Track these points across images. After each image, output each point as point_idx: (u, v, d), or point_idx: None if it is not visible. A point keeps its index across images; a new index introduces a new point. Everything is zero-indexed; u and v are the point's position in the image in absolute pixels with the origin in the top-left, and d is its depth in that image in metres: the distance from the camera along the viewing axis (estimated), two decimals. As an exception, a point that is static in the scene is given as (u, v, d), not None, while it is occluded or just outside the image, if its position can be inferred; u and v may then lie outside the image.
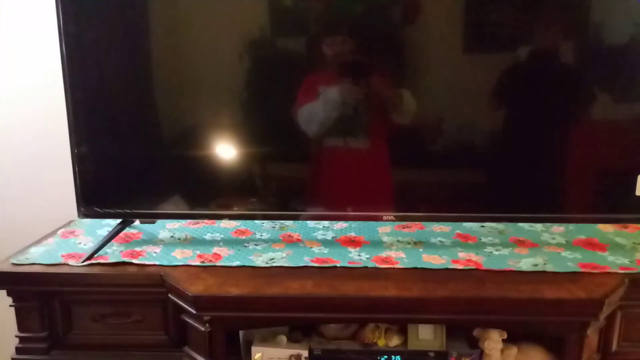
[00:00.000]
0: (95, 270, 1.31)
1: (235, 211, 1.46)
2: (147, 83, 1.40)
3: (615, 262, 1.33)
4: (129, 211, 1.43)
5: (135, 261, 1.34)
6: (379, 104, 1.37)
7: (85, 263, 1.33)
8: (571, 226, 1.56)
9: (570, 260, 1.34)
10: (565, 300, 1.18)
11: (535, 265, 1.31)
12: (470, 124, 1.40)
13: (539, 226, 1.57)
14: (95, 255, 1.36)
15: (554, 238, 1.49)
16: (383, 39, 1.34)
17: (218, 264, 1.34)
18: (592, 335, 1.24)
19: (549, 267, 1.30)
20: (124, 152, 1.42)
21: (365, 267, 1.31)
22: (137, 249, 1.42)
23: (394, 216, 1.41)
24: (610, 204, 1.42)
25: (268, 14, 1.34)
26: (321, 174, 1.45)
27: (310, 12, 1.34)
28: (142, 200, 1.44)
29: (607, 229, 1.55)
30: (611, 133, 1.37)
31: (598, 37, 1.32)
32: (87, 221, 1.60)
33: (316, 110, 1.35)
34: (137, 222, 1.56)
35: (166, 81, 1.41)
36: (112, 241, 1.44)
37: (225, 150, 1.41)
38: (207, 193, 1.46)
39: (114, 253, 1.38)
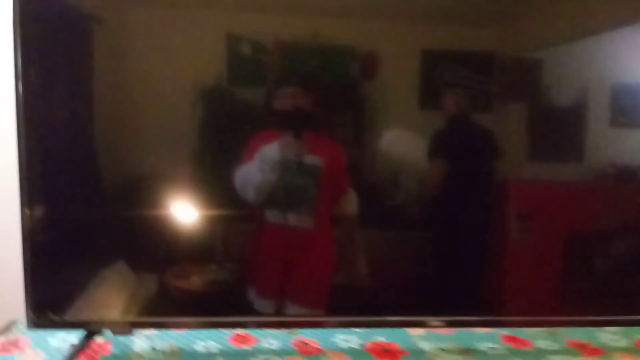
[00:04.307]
0: (53, 410, 0.95)
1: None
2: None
3: None
4: (100, 320, 1.08)
5: (108, 393, 0.99)
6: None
7: (37, 400, 0.96)
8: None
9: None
10: None
11: (619, 383, 1.08)
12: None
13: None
14: (52, 385, 1.00)
15: (616, 340, 1.27)
16: (339, 93, 1.13)
17: (224, 393, 1.01)
18: None
19: (635, 386, 1.07)
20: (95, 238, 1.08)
21: (417, 394, 1.03)
22: (109, 370, 1.06)
23: (443, 321, 1.14)
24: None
25: (225, 64, 1.09)
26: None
27: (267, 64, 1.10)
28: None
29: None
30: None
31: (549, 100, 1.16)
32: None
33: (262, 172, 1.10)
34: (104, 328, 1.20)
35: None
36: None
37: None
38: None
39: (77, 380, 1.03)
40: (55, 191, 1.05)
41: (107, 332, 1.19)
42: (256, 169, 1.09)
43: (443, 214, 1.17)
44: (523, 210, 1.21)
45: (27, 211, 1.02)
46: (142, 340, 1.20)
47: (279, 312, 1.16)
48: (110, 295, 1.13)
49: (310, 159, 1.11)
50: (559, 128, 1.16)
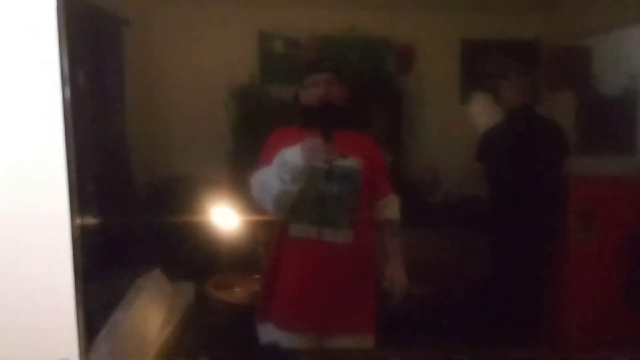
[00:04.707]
0: None
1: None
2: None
3: None
4: None
5: None
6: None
7: None
8: None
9: None
10: None
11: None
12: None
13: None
14: None
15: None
16: (374, 86, 1.14)
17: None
18: None
19: None
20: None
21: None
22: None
23: None
24: None
25: (258, 62, 1.15)
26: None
27: (301, 60, 1.15)
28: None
29: None
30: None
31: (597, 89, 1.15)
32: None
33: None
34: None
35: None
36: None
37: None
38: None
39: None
40: (107, 202, 1.02)
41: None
42: (275, 176, 0.91)
43: (513, 214, 1.08)
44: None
45: (78, 222, 0.98)
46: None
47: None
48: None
49: (345, 162, 0.94)
50: (612, 119, 1.11)
